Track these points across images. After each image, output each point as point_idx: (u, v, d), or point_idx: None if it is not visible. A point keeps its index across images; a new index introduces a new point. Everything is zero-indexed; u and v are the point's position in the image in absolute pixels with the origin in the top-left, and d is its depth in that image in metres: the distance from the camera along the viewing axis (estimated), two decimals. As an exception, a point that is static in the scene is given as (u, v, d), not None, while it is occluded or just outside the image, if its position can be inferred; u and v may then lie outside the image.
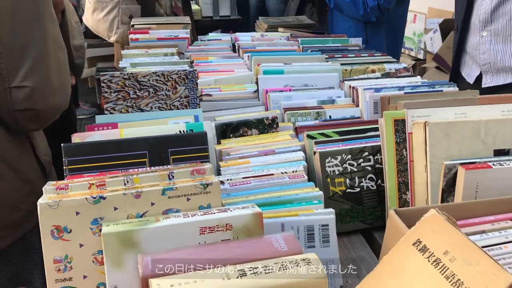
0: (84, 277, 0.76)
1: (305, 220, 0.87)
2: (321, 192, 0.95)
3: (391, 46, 2.47)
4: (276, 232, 0.86)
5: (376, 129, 1.16)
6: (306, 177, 1.00)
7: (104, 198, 0.76)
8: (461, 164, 0.88)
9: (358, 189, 1.09)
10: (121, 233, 0.71)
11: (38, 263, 1.23)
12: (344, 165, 1.09)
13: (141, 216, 0.77)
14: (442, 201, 0.89)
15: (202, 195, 0.80)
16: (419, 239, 0.64)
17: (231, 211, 0.76)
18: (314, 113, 1.34)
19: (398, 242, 0.66)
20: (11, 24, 1.01)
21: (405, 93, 1.35)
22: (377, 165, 1.11)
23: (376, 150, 1.11)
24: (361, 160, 1.10)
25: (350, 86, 1.46)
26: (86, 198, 0.75)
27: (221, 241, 0.75)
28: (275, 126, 1.23)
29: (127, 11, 2.37)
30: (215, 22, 3.64)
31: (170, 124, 1.16)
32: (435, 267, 0.60)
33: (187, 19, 2.31)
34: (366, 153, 1.11)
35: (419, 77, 1.55)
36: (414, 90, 1.37)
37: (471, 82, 1.90)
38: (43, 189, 0.78)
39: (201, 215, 0.75)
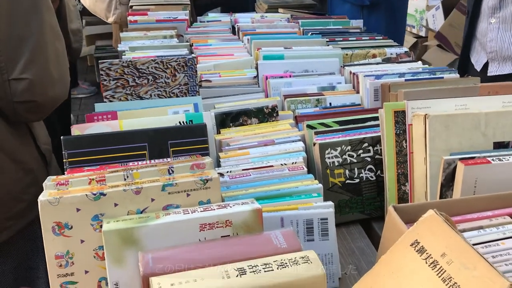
0: (86, 272, 0.77)
1: (304, 214, 0.88)
2: (320, 185, 0.95)
3: (391, 30, 2.43)
4: (275, 226, 0.87)
5: (376, 118, 1.16)
6: (305, 169, 1.01)
7: (104, 195, 0.76)
8: (460, 159, 0.88)
9: (357, 180, 1.10)
10: (121, 230, 0.72)
11: (42, 250, 1.24)
12: (344, 156, 1.09)
13: (141, 212, 0.78)
14: (441, 196, 0.90)
15: (202, 191, 0.80)
16: (417, 239, 0.65)
17: (230, 207, 0.77)
18: (314, 100, 1.33)
19: (396, 242, 0.67)
20: (9, 16, 1.00)
21: (406, 80, 1.35)
22: (377, 156, 1.11)
23: (376, 141, 1.11)
24: (360, 151, 1.10)
25: (350, 72, 1.45)
26: (86, 195, 0.75)
27: (221, 237, 0.75)
28: (275, 115, 1.23)
29: (126, -9, 2.34)
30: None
31: (170, 112, 1.16)
32: (432, 269, 0.61)
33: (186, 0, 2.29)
34: (366, 144, 1.11)
35: (420, 62, 1.54)
36: (415, 77, 1.37)
37: (478, 70, 1.88)
38: (44, 184, 0.78)
39: (201, 211, 0.76)
